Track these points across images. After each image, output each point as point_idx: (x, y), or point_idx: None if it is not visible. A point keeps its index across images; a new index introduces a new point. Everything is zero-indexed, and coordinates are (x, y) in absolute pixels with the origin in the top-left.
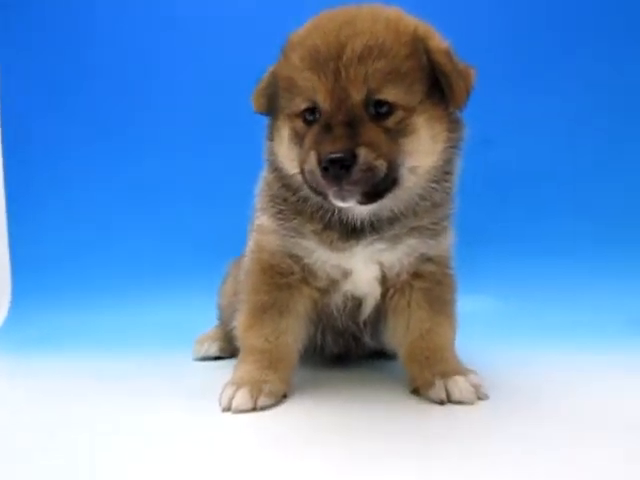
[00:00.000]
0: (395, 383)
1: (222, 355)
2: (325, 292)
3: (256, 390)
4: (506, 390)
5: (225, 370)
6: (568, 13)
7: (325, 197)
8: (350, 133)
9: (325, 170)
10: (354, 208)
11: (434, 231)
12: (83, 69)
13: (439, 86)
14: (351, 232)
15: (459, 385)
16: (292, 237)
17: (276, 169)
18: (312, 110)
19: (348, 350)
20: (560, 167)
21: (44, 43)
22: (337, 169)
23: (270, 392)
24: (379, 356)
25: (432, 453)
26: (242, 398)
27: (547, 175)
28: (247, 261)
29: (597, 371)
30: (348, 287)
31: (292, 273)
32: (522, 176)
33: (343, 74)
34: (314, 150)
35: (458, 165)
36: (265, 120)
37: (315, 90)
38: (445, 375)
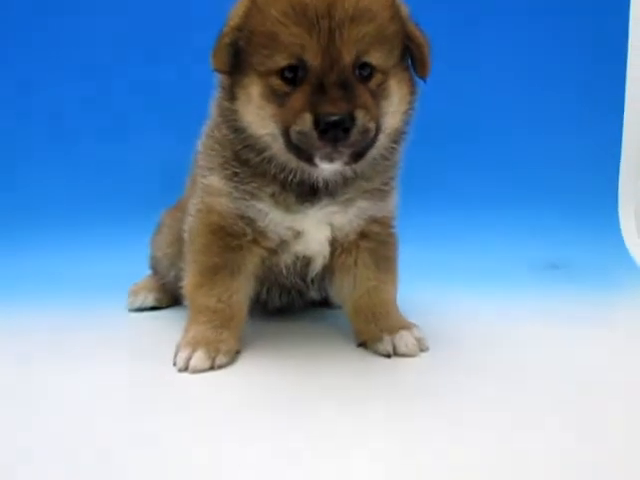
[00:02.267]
0: (339, 334)
1: (158, 305)
2: (274, 252)
3: (213, 350)
4: (441, 340)
5: (164, 322)
6: None
7: (309, 159)
8: (346, 95)
9: (323, 132)
10: (322, 169)
11: (384, 192)
12: None
13: (406, 51)
14: (307, 195)
15: (405, 339)
16: (246, 200)
17: (237, 130)
18: (293, 68)
19: (292, 303)
20: (483, 125)
21: None
22: (337, 131)
23: (227, 351)
24: (320, 305)
25: (379, 406)
26: (199, 359)
27: (467, 132)
28: (193, 221)
29: (509, 316)
30: (299, 247)
31: (244, 235)
32: (443, 131)
33: (337, 34)
34: (309, 112)
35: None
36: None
37: (304, 47)
38: (392, 330)
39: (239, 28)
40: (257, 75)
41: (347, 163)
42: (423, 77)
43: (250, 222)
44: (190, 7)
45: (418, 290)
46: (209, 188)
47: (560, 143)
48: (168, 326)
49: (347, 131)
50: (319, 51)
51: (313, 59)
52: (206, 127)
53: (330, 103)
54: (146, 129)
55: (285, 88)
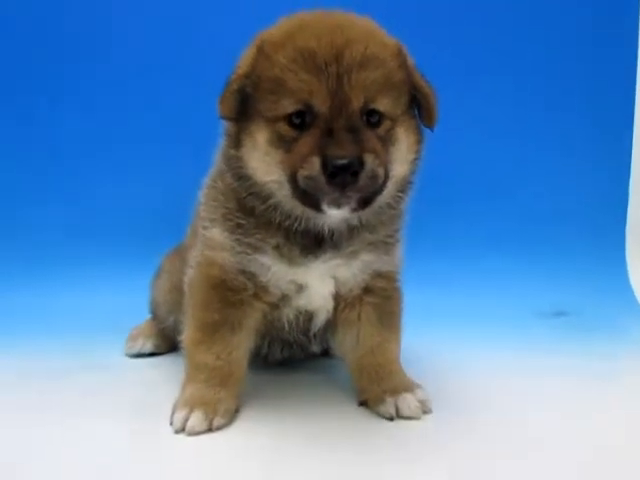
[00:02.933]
0: (340, 389)
1: (157, 351)
2: (276, 306)
3: (211, 411)
4: (444, 398)
5: (162, 370)
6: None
7: (316, 205)
8: (355, 139)
9: (331, 176)
10: (328, 216)
11: (388, 244)
12: None
13: (413, 100)
14: (312, 247)
15: (408, 402)
16: (248, 254)
17: (242, 177)
18: (301, 113)
19: (293, 356)
20: (477, 168)
21: None
22: (346, 175)
23: (225, 411)
24: (321, 355)
25: (380, 470)
26: (197, 419)
27: (463, 173)
28: (193, 274)
29: (515, 370)
30: (301, 302)
31: (245, 289)
32: (439, 174)
33: (345, 79)
34: (317, 155)
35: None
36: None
37: (312, 92)
38: (395, 392)
39: (247, 75)
40: (264, 121)
41: (354, 209)
42: (430, 126)
43: (251, 277)
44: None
45: (420, 339)
46: (210, 241)
47: (566, 188)
48: (166, 375)
49: (356, 175)
50: (327, 96)
51: (321, 104)
52: (208, 178)
53: (338, 146)
54: (150, 167)
55: (292, 133)
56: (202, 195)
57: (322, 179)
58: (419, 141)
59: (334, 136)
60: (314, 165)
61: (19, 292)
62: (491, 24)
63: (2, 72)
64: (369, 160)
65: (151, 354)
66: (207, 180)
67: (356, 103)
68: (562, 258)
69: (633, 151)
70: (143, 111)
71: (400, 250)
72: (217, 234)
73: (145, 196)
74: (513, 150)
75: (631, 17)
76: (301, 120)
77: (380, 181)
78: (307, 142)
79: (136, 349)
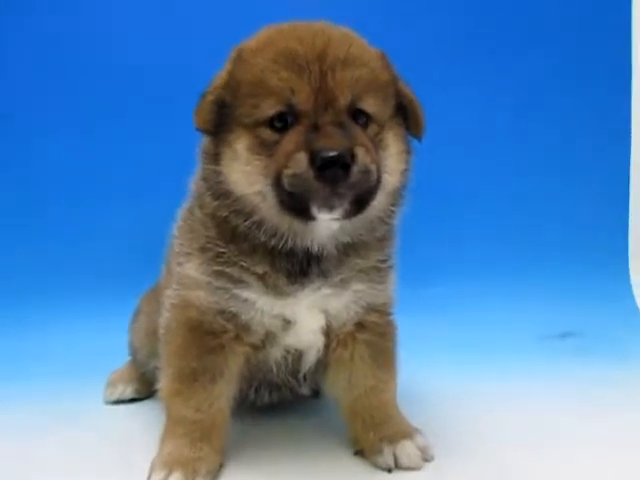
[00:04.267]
0: (332, 434)
1: (137, 397)
2: (260, 347)
3: (191, 471)
4: (447, 441)
5: (143, 417)
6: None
7: (304, 211)
8: (343, 133)
9: (321, 170)
10: (317, 230)
11: (381, 271)
12: None
13: (399, 108)
14: (298, 273)
15: (407, 450)
16: (228, 290)
17: (222, 195)
18: (283, 116)
19: (282, 400)
20: (477, 190)
21: None
22: (336, 169)
23: (207, 472)
24: (311, 397)
25: None
26: None
27: (461, 197)
28: (168, 317)
29: (524, 398)
30: (289, 339)
31: (224, 332)
32: (437, 198)
33: (329, 76)
34: (304, 151)
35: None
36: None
37: (295, 90)
38: (392, 439)
39: (223, 86)
40: (243, 128)
41: (347, 213)
42: (418, 136)
43: (232, 317)
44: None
45: (417, 374)
46: (185, 279)
47: (566, 206)
48: (147, 423)
49: (347, 168)
50: (311, 94)
51: (304, 102)
52: (183, 209)
53: (327, 138)
54: (130, 197)
55: (275, 137)
56: (176, 228)
57: (310, 174)
58: (408, 151)
59: (321, 130)
60: (300, 161)
61: None
62: (489, 26)
63: None
64: (360, 153)
65: (132, 399)
66: (182, 212)
67: (342, 101)
68: (563, 278)
69: (631, 169)
70: (122, 149)
71: (393, 278)
72: (193, 269)
73: (125, 232)
74: (511, 167)
75: (624, 18)
76: (283, 123)
77: (373, 178)
78: (291, 140)
79: (116, 395)
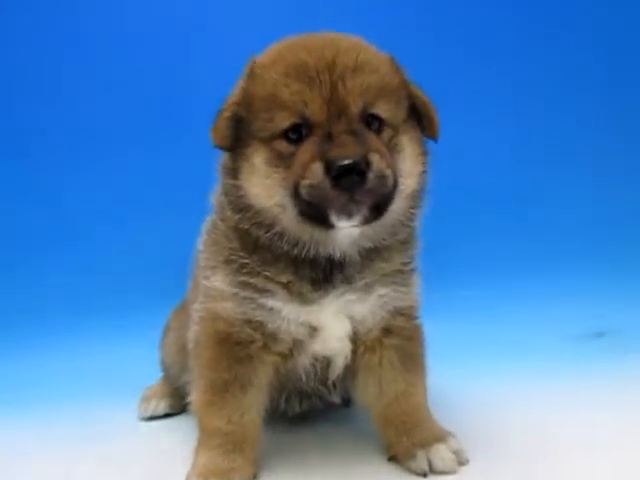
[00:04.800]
0: (366, 442)
1: (171, 412)
2: (289, 356)
3: None
4: (482, 444)
5: (177, 433)
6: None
7: (324, 219)
8: (357, 140)
9: (337, 179)
10: (339, 235)
11: (405, 274)
12: None
13: (412, 110)
14: (322, 279)
15: (441, 454)
16: (254, 300)
17: (243, 208)
18: (297, 127)
19: (313, 409)
20: (502, 188)
21: None
22: (352, 176)
23: None
24: (342, 405)
25: None
26: None
27: (489, 194)
28: (197, 330)
29: (560, 400)
30: (316, 347)
31: (252, 342)
32: (463, 194)
33: (340, 85)
34: (319, 161)
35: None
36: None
37: (307, 102)
38: (426, 444)
39: (238, 103)
40: (260, 142)
41: (366, 219)
42: (433, 137)
43: (259, 326)
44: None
45: (448, 378)
46: (212, 291)
47: (603, 204)
48: (181, 438)
49: (363, 175)
50: (323, 104)
51: (317, 114)
52: (207, 223)
53: (341, 147)
54: (160, 215)
55: (291, 149)
56: (201, 242)
57: (327, 184)
58: (424, 153)
59: (335, 139)
60: (316, 171)
61: (22, 358)
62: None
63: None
64: (375, 159)
65: (166, 415)
66: (206, 226)
67: (354, 108)
68: (598, 276)
69: None
70: (153, 165)
71: (417, 281)
72: (219, 282)
73: (157, 248)
74: (541, 166)
75: None
76: (298, 135)
77: (390, 182)
78: (306, 150)
79: (150, 411)
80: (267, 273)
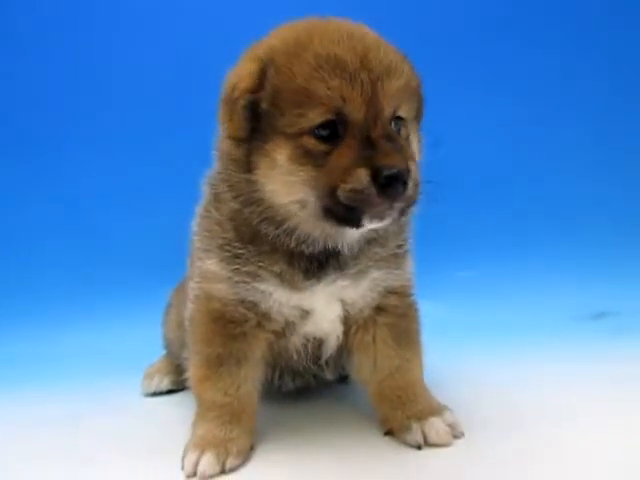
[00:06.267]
0: (360, 418)
1: (174, 388)
2: (282, 335)
3: (223, 452)
4: (478, 419)
5: (180, 408)
6: (520, 14)
7: (356, 220)
8: (397, 147)
9: (383, 187)
10: (350, 234)
11: (398, 257)
12: None
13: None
14: (315, 270)
15: (436, 427)
16: (247, 283)
17: (254, 202)
18: (330, 124)
19: (307, 386)
20: (505, 166)
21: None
22: (398, 185)
23: (238, 452)
24: (338, 382)
25: None
26: (208, 462)
27: (487, 174)
28: (192, 308)
29: (558, 378)
30: (308, 328)
31: (246, 320)
32: (464, 176)
33: (379, 86)
34: (364, 167)
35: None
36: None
37: (346, 99)
38: (420, 417)
39: (252, 90)
40: (283, 138)
41: (395, 220)
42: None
43: (252, 306)
44: None
45: (446, 356)
46: (206, 273)
47: (603, 187)
48: (184, 413)
49: (404, 184)
50: (362, 104)
51: (357, 112)
52: (200, 207)
53: (388, 156)
54: (161, 195)
55: (322, 147)
56: (195, 225)
57: (372, 191)
58: (420, 140)
59: (376, 146)
60: (361, 177)
61: (26, 336)
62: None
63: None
64: (413, 168)
65: (169, 391)
66: (199, 209)
67: (388, 111)
68: (597, 257)
69: None
70: (154, 143)
71: (410, 261)
72: (213, 265)
73: (158, 227)
74: (544, 147)
75: None
76: (330, 131)
77: (421, 188)
78: (346, 154)
79: (153, 387)
80: (260, 263)
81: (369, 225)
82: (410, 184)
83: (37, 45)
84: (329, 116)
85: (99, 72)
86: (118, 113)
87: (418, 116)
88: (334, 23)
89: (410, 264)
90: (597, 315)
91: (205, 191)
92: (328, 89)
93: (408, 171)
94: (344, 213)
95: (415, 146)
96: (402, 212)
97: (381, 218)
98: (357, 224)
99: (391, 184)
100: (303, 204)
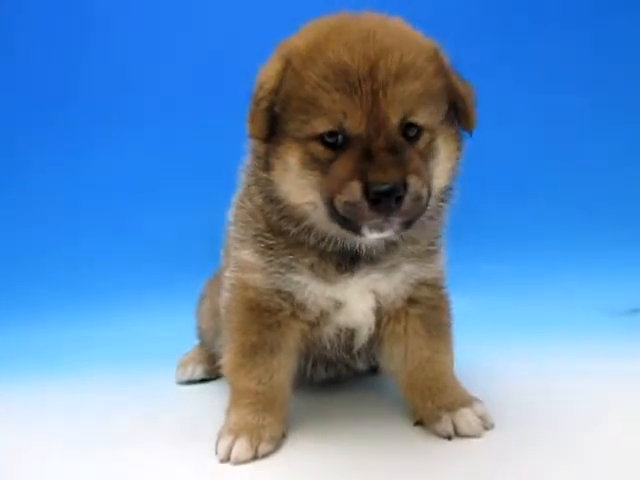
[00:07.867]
0: (391, 408)
1: (207, 377)
2: (315, 325)
3: (256, 438)
4: (508, 412)
5: (213, 396)
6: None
7: (356, 229)
8: (397, 160)
9: (374, 202)
10: (366, 237)
11: (430, 252)
12: None
13: (451, 104)
14: (347, 263)
15: (466, 418)
16: (282, 273)
17: (273, 200)
18: (334, 133)
19: (339, 376)
20: (531, 162)
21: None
22: (390, 201)
23: (270, 438)
24: (369, 373)
25: None
26: (241, 448)
27: (526, 173)
28: (228, 297)
29: (590, 374)
30: (341, 319)
31: (281, 310)
32: (500, 174)
33: (380, 95)
34: (357, 180)
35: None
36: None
37: (347, 114)
38: (451, 408)
39: (274, 91)
40: (295, 142)
41: (397, 232)
42: (469, 130)
43: (287, 296)
44: None
45: (479, 349)
46: (242, 263)
47: (631, 176)
48: (217, 401)
49: (399, 199)
50: (362, 117)
51: (356, 127)
52: (236, 197)
53: (380, 170)
54: (193, 188)
55: (327, 154)
56: (231, 215)
57: (364, 205)
58: (459, 148)
59: (374, 158)
60: (354, 191)
61: (64, 326)
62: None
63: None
64: (412, 182)
65: (202, 380)
66: (235, 199)
67: (394, 120)
68: (632, 252)
69: None
70: (185, 144)
71: (443, 255)
72: (248, 256)
73: (192, 220)
74: (579, 142)
75: None
76: (335, 140)
77: (424, 202)
78: (344, 165)
79: (187, 376)
80: (292, 256)
81: (370, 235)
82: (407, 199)
83: (75, 44)
84: (331, 127)
85: (130, 68)
86: (141, 109)
87: (452, 119)
88: (359, 23)
89: (443, 258)
90: (631, 311)
91: (241, 179)
92: (331, 101)
93: (405, 186)
94: (343, 222)
95: (443, 152)
96: (406, 224)
97: (380, 230)
98: (358, 233)
99: (381, 200)
100: (315, 205)
